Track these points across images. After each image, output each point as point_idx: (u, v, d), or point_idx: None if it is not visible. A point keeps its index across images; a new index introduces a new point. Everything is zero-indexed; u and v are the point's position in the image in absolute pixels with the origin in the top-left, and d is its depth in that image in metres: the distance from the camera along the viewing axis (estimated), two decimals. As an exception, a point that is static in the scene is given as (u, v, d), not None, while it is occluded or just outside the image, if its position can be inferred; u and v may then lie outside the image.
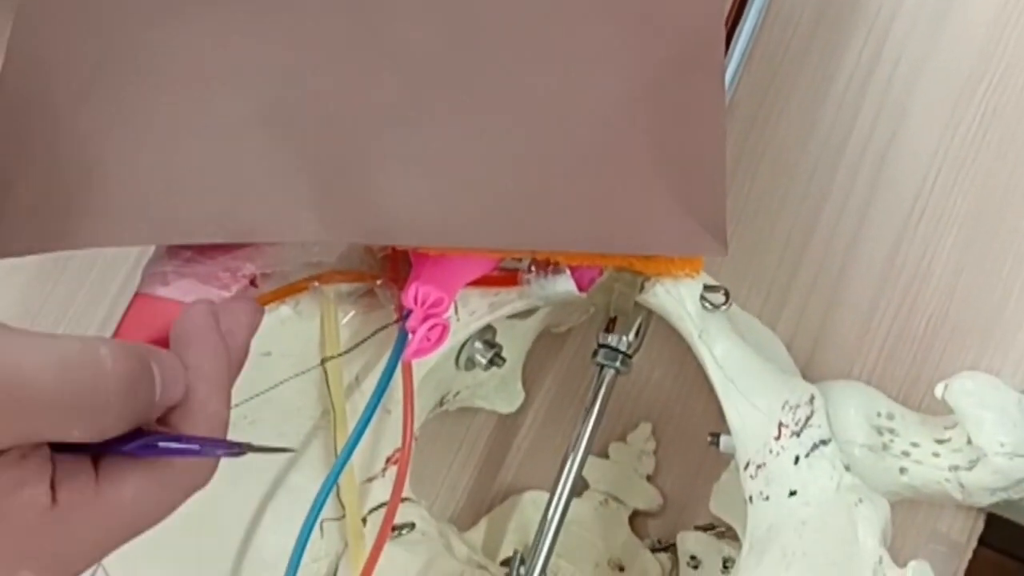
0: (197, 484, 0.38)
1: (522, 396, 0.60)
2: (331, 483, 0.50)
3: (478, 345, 0.55)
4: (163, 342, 0.47)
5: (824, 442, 0.49)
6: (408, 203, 0.47)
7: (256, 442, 0.53)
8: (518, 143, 0.48)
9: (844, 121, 0.62)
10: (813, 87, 0.63)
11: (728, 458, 0.56)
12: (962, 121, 0.61)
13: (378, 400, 0.50)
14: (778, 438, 0.49)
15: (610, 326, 0.56)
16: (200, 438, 0.37)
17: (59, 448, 0.34)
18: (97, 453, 0.35)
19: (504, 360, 0.56)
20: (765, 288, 0.60)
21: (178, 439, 0.37)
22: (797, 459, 0.49)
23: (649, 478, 0.59)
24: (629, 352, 0.54)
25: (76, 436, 0.33)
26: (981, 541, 0.55)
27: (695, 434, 0.59)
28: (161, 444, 0.36)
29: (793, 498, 0.48)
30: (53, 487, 0.34)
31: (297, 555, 0.50)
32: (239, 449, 0.38)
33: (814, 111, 0.62)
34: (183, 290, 0.47)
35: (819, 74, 0.63)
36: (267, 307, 0.50)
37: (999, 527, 0.56)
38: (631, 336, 0.54)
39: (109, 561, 0.50)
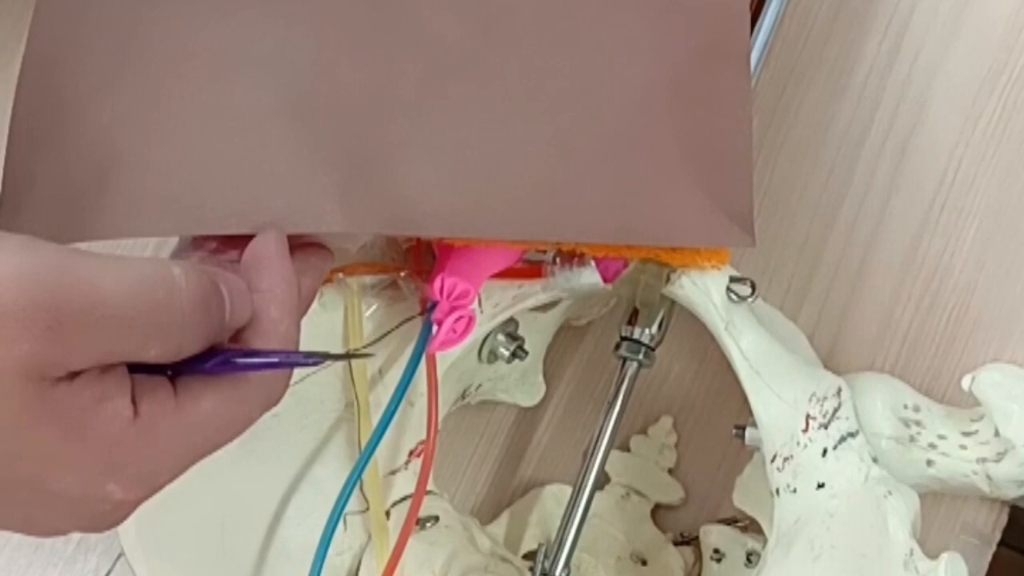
0: (272, 399, 0.38)
1: (543, 389, 0.60)
2: (356, 476, 0.50)
3: (501, 338, 0.55)
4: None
5: (852, 434, 0.48)
6: (432, 194, 0.47)
7: (279, 436, 0.53)
8: (543, 133, 0.47)
9: (864, 114, 0.62)
10: (832, 80, 0.62)
11: (751, 451, 0.56)
12: (982, 114, 0.61)
13: (403, 392, 0.49)
14: (805, 430, 0.49)
15: (632, 319, 0.56)
16: (276, 351, 0.37)
17: (135, 371, 0.34)
18: (173, 375, 0.36)
19: (526, 353, 0.56)
20: (786, 281, 0.60)
21: (254, 353, 0.37)
22: (825, 451, 0.48)
23: (671, 471, 0.59)
24: (652, 345, 0.54)
25: (153, 354, 0.34)
26: (1001, 541, 0.55)
27: (717, 427, 0.59)
28: (238, 360, 0.36)
29: (821, 491, 0.48)
30: (134, 401, 0.34)
31: (323, 549, 0.50)
32: (317, 358, 0.39)
33: (833, 104, 0.62)
34: (208, 282, 0.47)
35: (838, 67, 0.63)
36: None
37: (1020, 526, 0.56)
38: (654, 329, 0.54)
39: (133, 556, 0.50)
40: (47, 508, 0.34)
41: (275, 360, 0.37)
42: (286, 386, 0.39)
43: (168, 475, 0.36)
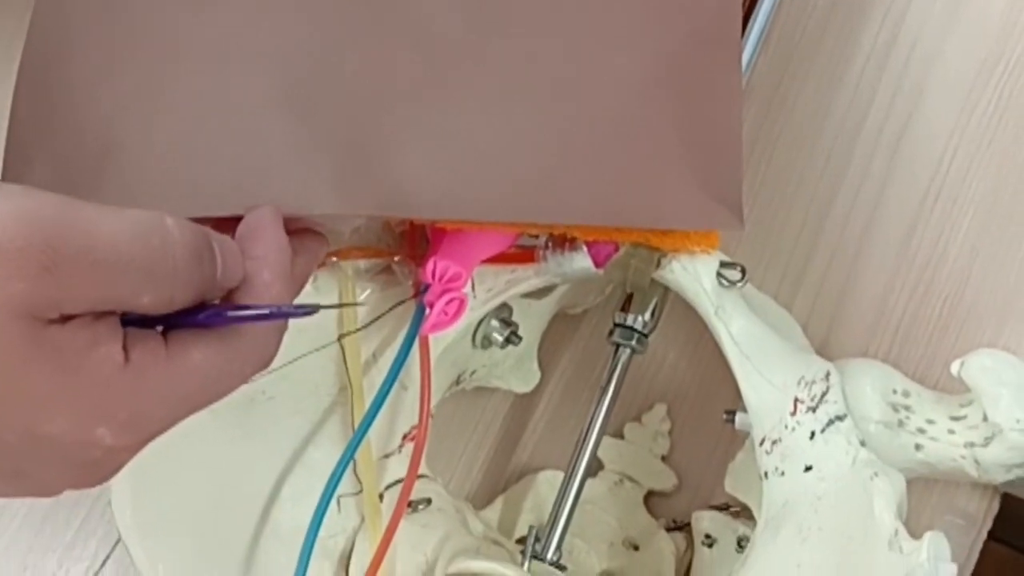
0: (264, 357, 0.39)
1: (538, 376, 0.60)
2: (348, 458, 0.51)
3: (495, 323, 0.55)
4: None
5: (840, 418, 0.49)
6: (427, 177, 0.47)
7: (273, 419, 0.53)
8: (536, 118, 0.48)
9: (860, 104, 0.62)
10: (829, 70, 0.63)
11: (743, 437, 0.56)
12: (978, 104, 0.61)
13: (396, 374, 0.50)
14: (794, 414, 0.49)
15: (626, 306, 0.56)
16: (267, 305, 0.38)
17: (126, 325, 0.35)
18: (164, 329, 0.36)
19: (520, 338, 0.56)
20: (780, 269, 0.60)
21: (246, 307, 0.37)
22: (813, 434, 0.49)
23: (664, 458, 0.59)
24: (645, 331, 0.55)
25: (146, 302, 0.34)
26: (994, 536, 0.55)
27: (710, 415, 0.60)
28: (229, 312, 0.36)
29: (809, 473, 0.48)
30: (125, 348, 0.34)
31: (314, 530, 0.50)
32: (309, 309, 0.38)
33: (830, 94, 0.62)
34: (202, 263, 0.48)
35: (835, 57, 0.63)
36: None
37: (1011, 521, 0.56)
38: (647, 315, 0.55)
39: (128, 537, 0.51)
40: (37, 457, 0.34)
41: (265, 312, 0.37)
42: (278, 345, 0.39)
43: (158, 424, 0.36)
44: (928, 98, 0.62)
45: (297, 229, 0.46)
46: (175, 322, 0.36)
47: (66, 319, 0.33)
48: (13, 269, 0.32)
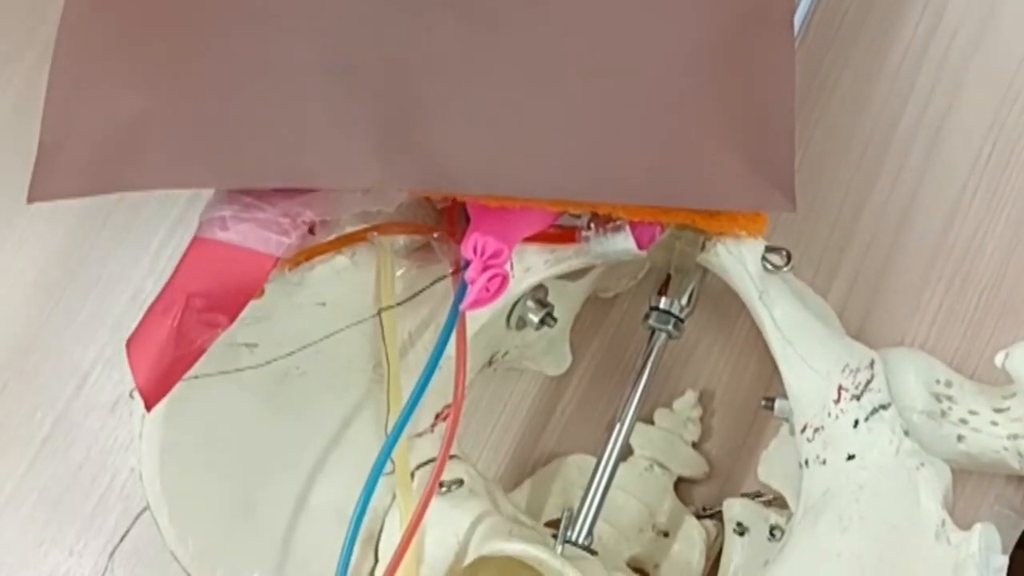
0: None
1: (569, 359, 0.60)
2: (394, 439, 0.50)
3: (531, 304, 0.55)
4: (220, 287, 0.47)
5: (884, 407, 0.48)
6: (471, 151, 0.47)
7: (305, 394, 0.52)
8: (584, 93, 0.47)
9: (899, 93, 0.62)
10: (869, 58, 0.62)
11: (776, 426, 0.56)
12: (1019, 96, 0.61)
13: (441, 349, 0.49)
14: (837, 401, 0.48)
15: (663, 289, 0.55)
16: None
17: None
18: None
19: (555, 320, 0.55)
20: (816, 258, 0.60)
21: None
22: (856, 423, 0.48)
23: (695, 445, 0.59)
24: (682, 316, 0.54)
25: None
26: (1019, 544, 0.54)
27: (742, 402, 0.59)
28: None
29: (851, 462, 0.48)
30: None
31: (360, 511, 0.49)
32: None
33: (869, 83, 0.62)
34: (242, 235, 0.47)
35: (875, 46, 0.62)
36: (323, 256, 0.50)
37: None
38: (684, 300, 0.54)
39: (157, 507, 0.50)
40: None
41: None
42: None
43: None
44: (967, 90, 0.61)
45: None
46: None
47: None
48: None
